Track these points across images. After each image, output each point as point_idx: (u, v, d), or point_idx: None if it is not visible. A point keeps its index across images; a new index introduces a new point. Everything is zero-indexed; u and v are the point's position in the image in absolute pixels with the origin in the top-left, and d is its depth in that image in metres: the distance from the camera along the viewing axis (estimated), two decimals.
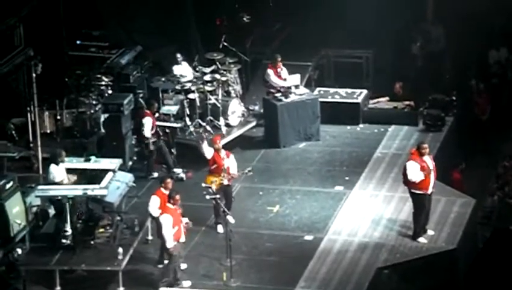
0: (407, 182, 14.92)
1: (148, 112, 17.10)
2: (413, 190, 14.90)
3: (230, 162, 15.45)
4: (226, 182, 15.28)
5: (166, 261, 14.27)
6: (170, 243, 13.84)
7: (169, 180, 14.56)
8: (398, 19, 20.38)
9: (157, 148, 17.09)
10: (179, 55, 18.76)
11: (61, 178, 14.83)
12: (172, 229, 13.82)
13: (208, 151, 15.40)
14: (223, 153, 15.42)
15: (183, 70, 18.58)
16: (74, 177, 14.93)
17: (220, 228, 15.37)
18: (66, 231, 14.27)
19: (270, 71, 18.33)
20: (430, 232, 15.13)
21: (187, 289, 13.98)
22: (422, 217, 14.96)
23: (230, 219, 15.21)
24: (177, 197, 14.00)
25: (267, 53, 20.76)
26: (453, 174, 17.81)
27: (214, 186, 15.13)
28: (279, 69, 18.34)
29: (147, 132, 16.92)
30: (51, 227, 14.79)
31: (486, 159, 18.98)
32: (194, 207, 15.71)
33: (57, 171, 14.80)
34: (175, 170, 17.02)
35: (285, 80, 18.29)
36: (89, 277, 14.31)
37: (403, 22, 20.56)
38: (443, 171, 17.38)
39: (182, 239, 14.12)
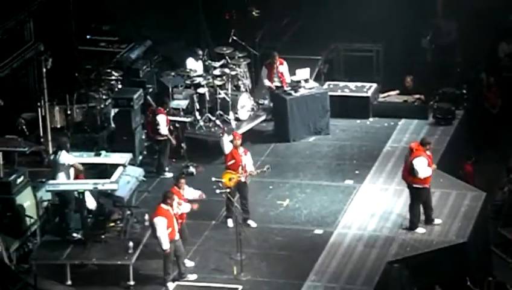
0: (410, 178, 14.87)
1: (161, 109, 17.09)
2: (415, 185, 14.89)
3: (247, 159, 15.44)
4: (243, 179, 15.27)
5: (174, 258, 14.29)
6: (166, 245, 13.87)
7: (183, 180, 14.51)
8: (408, 13, 20.32)
9: (164, 145, 17.06)
10: (199, 51, 18.77)
11: (74, 161, 14.65)
12: (166, 230, 13.83)
13: (228, 146, 15.39)
14: (241, 150, 15.41)
15: (196, 65, 18.59)
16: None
17: (230, 222, 15.38)
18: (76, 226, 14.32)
19: (264, 71, 18.23)
20: (437, 220, 15.14)
21: (193, 282, 13.99)
22: (419, 209, 14.95)
23: (252, 223, 15.24)
24: (174, 197, 13.99)
25: (277, 47, 20.75)
26: (465, 167, 17.77)
27: (231, 183, 15.15)
28: (280, 66, 18.21)
29: (164, 129, 16.92)
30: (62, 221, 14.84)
31: (497, 153, 18.92)
32: (204, 201, 15.71)
33: (69, 157, 14.71)
34: (165, 170, 16.82)
35: (282, 74, 18.16)
36: (100, 271, 14.36)
37: (413, 16, 20.50)
38: (454, 165, 17.36)
39: (177, 237, 14.10)
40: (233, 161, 15.30)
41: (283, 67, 18.37)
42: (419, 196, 14.96)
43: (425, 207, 15.15)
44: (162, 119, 16.94)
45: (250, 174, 15.37)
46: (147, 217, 14.91)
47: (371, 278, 14.14)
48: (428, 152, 14.92)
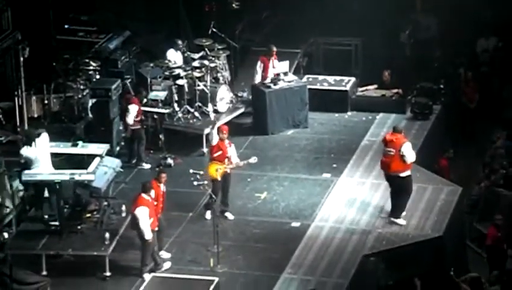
0: (400, 167, 14.86)
1: (135, 98, 17.03)
2: (402, 174, 14.94)
3: (232, 151, 15.47)
4: (228, 171, 15.29)
5: (155, 248, 14.28)
6: (149, 235, 13.85)
7: (164, 174, 14.45)
8: (387, 7, 20.37)
9: (138, 136, 17.00)
10: (179, 42, 18.70)
11: (35, 155, 14.55)
12: (148, 220, 13.80)
13: (216, 138, 15.35)
14: (226, 141, 15.40)
15: (176, 56, 18.53)
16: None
17: (208, 214, 15.37)
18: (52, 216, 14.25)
19: (260, 65, 18.13)
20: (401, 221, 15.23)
21: (169, 273, 13.97)
22: (407, 198, 15.01)
23: (230, 215, 15.25)
24: (152, 185, 13.99)
25: (256, 39, 20.72)
26: (440, 162, 17.87)
27: (218, 174, 15.15)
28: (274, 60, 18.16)
29: (130, 118, 16.85)
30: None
31: (474, 148, 19.04)
32: (182, 193, 15.71)
33: (30, 151, 14.56)
34: (140, 161, 16.79)
35: (274, 68, 18.21)
36: (76, 261, 14.31)
37: (392, 11, 20.56)
38: (431, 160, 17.45)
39: (156, 228, 14.09)
40: (219, 153, 15.30)
41: (277, 62, 18.26)
42: (409, 185, 15.01)
43: (397, 195, 15.19)
44: (133, 108, 16.87)
45: (237, 165, 15.35)
46: (124, 208, 14.88)
47: (347, 271, 14.20)
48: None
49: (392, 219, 15.13)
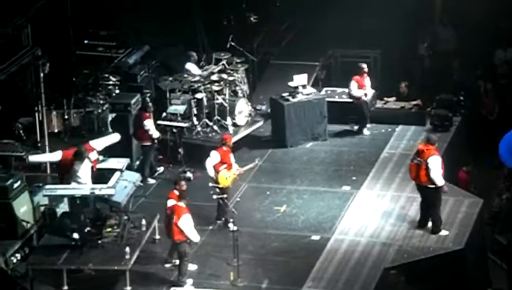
0: (427, 179, 14.82)
1: (145, 114, 17.07)
2: (432, 185, 14.89)
3: (232, 158, 15.64)
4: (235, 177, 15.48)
5: (177, 261, 14.31)
6: (197, 237, 14.01)
7: (183, 182, 14.55)
8: (406, 20, 20.35)
9: (148, 151, 17.05)
10: (193, 54, 18.79)
11: (83, 170, 14.81)
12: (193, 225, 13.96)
13: (212, 164, 15.46)
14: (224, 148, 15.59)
15: (195, 69, 18.60)
16: None
17: (232, 225, 15.40)
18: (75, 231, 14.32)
19: (353, 83, 18.17)
20: (444, 232, 15.19)
21: (192, 287, 14.01)
22: (439, 210, 14.97)
23: (231, 225, 15.29)
24: (186, 193, 14.19)
25: (274, 53, 20.76)
26: (458, 174, 17.79)
27: (229, 182, 15.29)
28: (366, 78, 18.23)
29: (155, 132, 16.93)
30: (59, 226, 14.83)
31: (494, 160, 18.93)
32: (201, 207, 15.72)
33: (79, 167, 14.80)
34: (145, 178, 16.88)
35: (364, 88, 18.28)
36: (96, 276, 14.33)
37: (411, 23, 20.54)
38: (451, 171, 17.36)
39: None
40: (225, 165, 15.36)
41: (367, 80, 18.30)
42: (439, 196, 14.97)
43: (428, 208, 15.13)
44: (149, 123, 16.95)
45: (244, 171, 15.50)
46: (144, 222, 14.91)
47: (368, 284, 14.13)
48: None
49: (435, 234, 15.00)
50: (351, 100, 18.76)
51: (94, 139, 15.62)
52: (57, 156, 15.16)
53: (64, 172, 14.93)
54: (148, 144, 17.02)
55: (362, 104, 18.34)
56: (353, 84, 18.30)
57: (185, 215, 14.00)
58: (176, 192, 14.41)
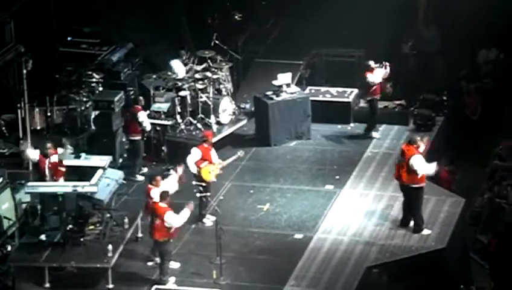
0: (410, 178, 14.85)
1: (137, 106, 17.08)
2: (414, 185, 14.93)
3: (214, 153, 15.71)
4: (219, 171, 15.50)
5: (158, 260, 14.28)
6: (184, 217, 13.95)
7: (159, 177, 14.57)
8: (389, 19, 20.40)
9: (137, 147, 17.06)
10: (183, 52, 18.75)
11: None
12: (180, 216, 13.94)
13: (193, 162, 15.46)
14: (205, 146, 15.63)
15: (180, 67, 18.57)
16: None
17: (208, 222, 15.41)
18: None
19: (369, 75, 17.91)
20: (426, 231, 15.22)
21: (174, 286, 13.99)
22: (421, 209, 15.02)
23: (207, 221, 15.28)
24: (168, 194, 14.12)
25: (259, 51, 20.74)
26: (441, 174, 17.85)
27: (213, 176, 15.35)
28: (375, 70, 18.01)
29: (148, 124, 16.95)
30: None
31: (477, 159, 19.03)
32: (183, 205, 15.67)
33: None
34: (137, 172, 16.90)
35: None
36: (79, 273, 14.29)
37: (394, 22, 20.59)
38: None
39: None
40: (206, 162, 15.41)
41: (381, 71, 18.04)
42: (421, 196, 15.03)
43: (410, 208, 15.19)
44: (143, 115, 16.96)
45: (227, 163, 15.52)
46: (126, 220, 14.87)
47: (350, 283, 14.16)
48: (420, 149, 15.02)
49: (417, 234, 15.04)
50: (334, 100, 18.78)
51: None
52: (36, 154, 15.22)
53: (40, 171, 14.99)
54: (138, 138, 16.99)
55: (375, 104, 18.15)
56: (369, 76, 17.96)
57: (167, 213, 13.96)
58: (150, 186, 14.36)
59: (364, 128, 18.39)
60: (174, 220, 13.96)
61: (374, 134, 18.27)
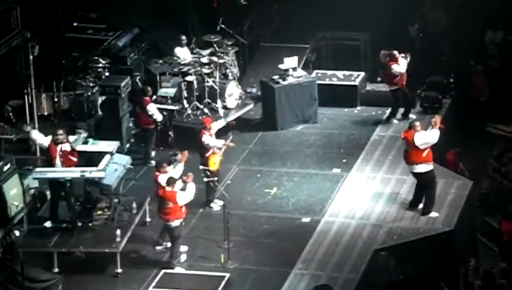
0: (419, 159, 14.86)
1: (146, 98, 17.07)
2: (422, 169, 14.96)
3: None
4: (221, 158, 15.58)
5: (168, 244, 14.33)
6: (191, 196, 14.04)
7: (165, 163, 14.59)
8: (396, 1, 20.31)
9: (151, 135, 17.08)
10: (183, 38, 18.73)
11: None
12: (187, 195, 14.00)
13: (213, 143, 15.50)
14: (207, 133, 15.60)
15: (184, 52, 18.55)
16: None
17: (216, 206, 15.44)
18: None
19: (394, 65, 17.66)
20: (434, 213, 15.24)
21: (182, 270, 14.03)
22: (435, 191, 15.05)
23: (215, 206, 15.32)
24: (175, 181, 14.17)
25: (265, 35, 20.70)
26: (448, 156, 17.84)
27: (219, 165, 15.34)
28: (400, 60, 17.79)
29: (159, 116, 16.94)
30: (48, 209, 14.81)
31: (484, 141, 18.99)
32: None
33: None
34: (151, 158, 16.92)
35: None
36: (87, 258, 14.34)
37: (401, 5, 20.50)
38: (440, 153, 17.40)
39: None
40: (211, 151, 15.47)
41: (403, 61, 17.91)
42: (433, 178, 15.04)
43: (422, 190, 15.16)
44: (152, 107, 16.97)
45: (223, 148, 15.54)
46: (134, 205, 14.91)
47: (358, 266, 14.19)
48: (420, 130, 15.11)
49: (425, 216, 15.06)
50: (340, 83, 18.76)
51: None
52: (47, 141, 15.09)
53: (50, 158, 14.87)
54: (152, 127, 17.02)
55: (398, 94, 17.87)
56: (395, 66, 17.73)
57: (178, 195, 14.03)
58: (157, 173, 14.40)
59: (387, 115, 18.17)
60: (185, 197, 14.05)
61: (394, 120, 18.11)
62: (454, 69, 19.81)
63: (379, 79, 19.28)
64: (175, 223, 14.11)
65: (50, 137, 14.90)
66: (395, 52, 17.94)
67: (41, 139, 15.03)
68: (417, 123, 15.29)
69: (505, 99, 19.78)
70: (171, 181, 14.17)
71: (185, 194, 14.07)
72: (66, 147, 14.72)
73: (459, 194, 15.84)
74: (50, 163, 14.74)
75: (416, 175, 15.16)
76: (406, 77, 17.97)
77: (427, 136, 15.04)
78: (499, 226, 16.46)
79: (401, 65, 17.83)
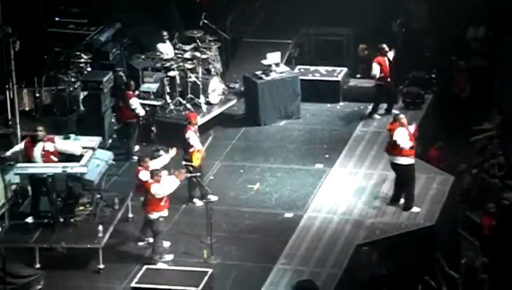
0: (397, 152, 14.92)
1: (129, 92, 17.03)
2: (402, 162, 14.98)
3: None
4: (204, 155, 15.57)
5: (150, 239, 14.31)
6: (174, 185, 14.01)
7: (147, 158, 14.58)
8: None
9: (133, 130, 17.05)
10: (165, 33, 18.68)
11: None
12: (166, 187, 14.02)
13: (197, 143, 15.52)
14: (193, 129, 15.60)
15: (166, 48, 18.51)
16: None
17: (198, 202, 15.43)
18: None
19: (376, 66, 17.62)
20: (415, 209, 15.30)
21: (164, 265, 14.03)
22: (414, 186, 15.09)
23: (198, 201, 15.30)
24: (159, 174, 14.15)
25: (247, 31, 20.68)
26: (430, 151, 17.91)
27: (202, 161, 15.35)
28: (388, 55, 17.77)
29: (141, 110, 16.88)
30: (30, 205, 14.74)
31: (466, 137, 19.08)
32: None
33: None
34: (133, 153, 16.93)
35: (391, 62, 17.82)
36: (69, 254, 14.30)
37: (383, 0, 20.54)
38: (423, 149, 17.48)
39: (165, 213, 14.18)
40: (194, 148, 15.44)
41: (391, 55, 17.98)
42: (412, 173, 15.06)
43: (401, 185, 15.21)
44: (135, 102, 16.94)
45: (206, 147, 15.55)
46: (116, 200, 14.88)
47: (340, 261, 14.23)
48: (409, 127, 15.12)
49: (406, 211, 15.11)
50: (323, 79, 18.80)
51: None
52: (22, 144, 15.03)
53: (27, 159, 14.76)
54: (134, 121, 16.99)
55: (387, 88, 17.84)
56: (374, 66, 17.67)
57: (152, 185, 14.02)
58: (140, 168, 14.38)
59: (370, 110, 18.21)
60: (160, 189, 14.01)
61: (377, 116, 18.16)
62: (436, 65, 19.88)
63: (358, 75, 19.33)
64: (153, 215, 14.09)
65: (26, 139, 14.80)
66: (384, 45, 17.86)
67: (17, 147, 14.94)
68: (401, 116, 15.33)
69: (487, 95, 19.88)
70: (153, 173, 14.14)
71: (160, 186, 14.00)
72: (49, 147, 14.56)
73: (441, 190, 15.91)
74: (29, 161, 14.66)
75: (397, 167, 15.17)
76: (389, 72, 18.00)
77: (404, 138, 14.99)
78: (480, 220, 16.55)
79: (387, 59, 17.71)
